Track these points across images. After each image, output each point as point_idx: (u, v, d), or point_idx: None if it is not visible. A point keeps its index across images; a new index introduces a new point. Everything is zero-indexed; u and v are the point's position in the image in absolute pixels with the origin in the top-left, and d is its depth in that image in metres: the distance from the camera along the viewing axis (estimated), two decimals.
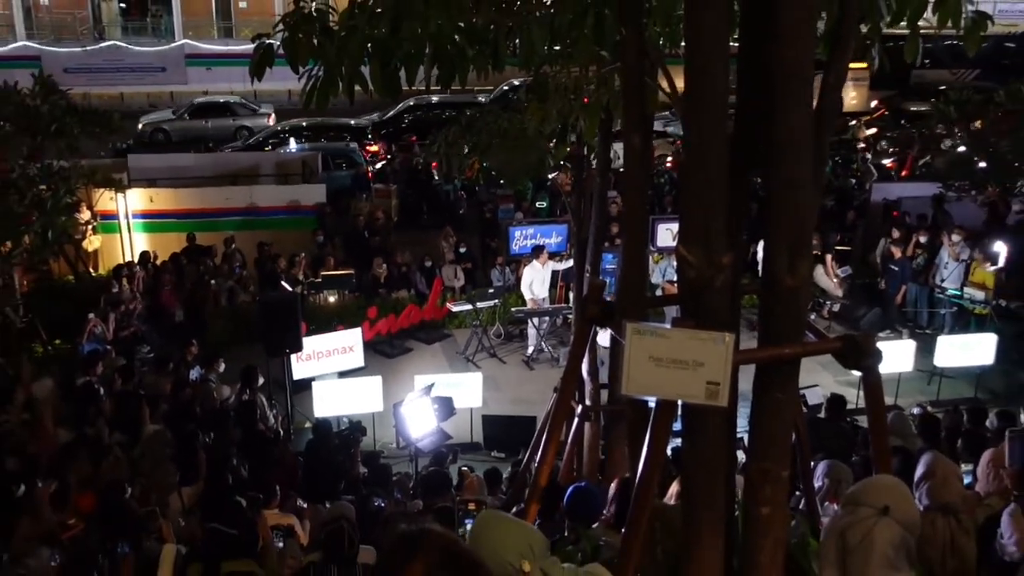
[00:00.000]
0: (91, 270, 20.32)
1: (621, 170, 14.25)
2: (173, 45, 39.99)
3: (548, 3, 5.56)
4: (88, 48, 38.76)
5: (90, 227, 19.91)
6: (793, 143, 4.42)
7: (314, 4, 5.23)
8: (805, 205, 4.53)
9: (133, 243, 21.26)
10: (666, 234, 18.58)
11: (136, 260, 19.83)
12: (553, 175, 20.04)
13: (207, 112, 32.66)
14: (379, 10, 4.81)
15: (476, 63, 5.28)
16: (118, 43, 39.57)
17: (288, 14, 5.13)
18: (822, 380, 14.44)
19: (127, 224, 21.20)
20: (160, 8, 44.29)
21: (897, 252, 18.87)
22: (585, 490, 6.17)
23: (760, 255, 5.02)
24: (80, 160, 18.43)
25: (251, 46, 5.32)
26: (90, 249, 20.36)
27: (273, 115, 32.55)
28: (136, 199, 21.17)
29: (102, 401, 11.56)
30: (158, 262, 19.58)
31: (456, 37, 4.83)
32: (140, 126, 31.72)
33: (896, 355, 14.50)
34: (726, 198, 4.58)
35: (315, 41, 4.90)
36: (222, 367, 14.29)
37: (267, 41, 5.07)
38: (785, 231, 4.45)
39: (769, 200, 4.57)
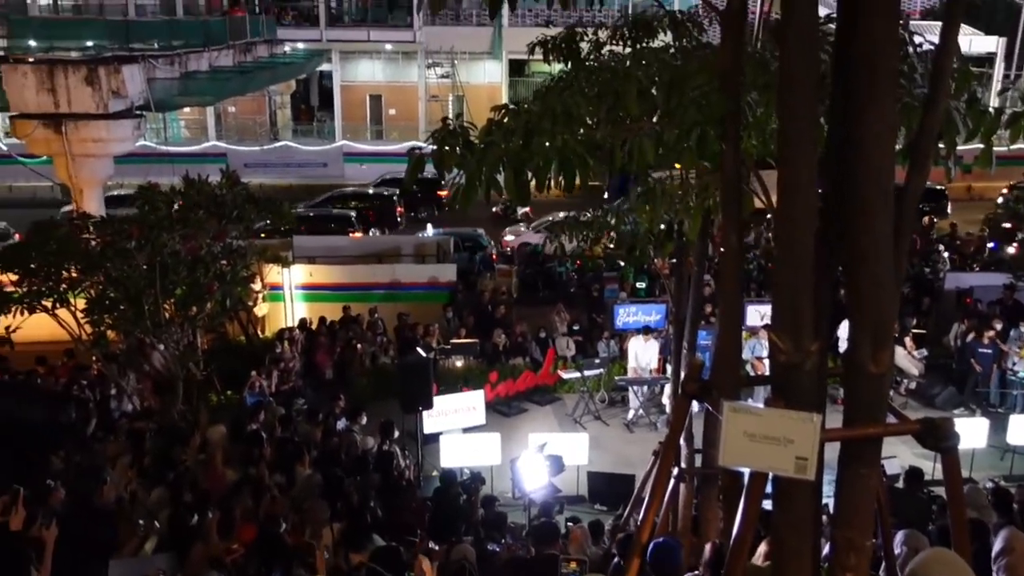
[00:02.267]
0: (259, 333, 21.08)
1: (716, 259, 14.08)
2: (334, 145, 41.70)
3: (656, 120, 5.65)
4: (265, 147, 40.73)
5: (260, 296, 20.70)
6: (875, 248, 4.36)
7: (458, 121, 5.45)
8: (887, 301, 4.44)
9: (294, 310, 22.02)
10: (755, 314, 18.24)
11: (296, 325, 20.49)
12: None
13: None
14: (513, 127, 4.98)
15: (595, 170, 5.39)
16: (289, 143, 41.50)
17: (437, 130, 5.35)
18: (900, 452, 13.82)
19: (290, 294, 22.01)
20: (324, 114, 46.49)
21: (986, 337, 18.05)
22: (667, 545, 6.05)
23: (843, 335, 4.92)
24: (254, 240, 19.26)
25: (396, 146, 5.56)
26: (259, 315, 21.16)
27: None
28: (298, 273, 21.98)
29: (264, 446, 11.89)
30: (314, 327, 20.19)
31: (578, 149, 4.94)
32: None
33: (970, 432, 13.82)
34: (813, 290, 4.53)
35: (458, 152, 5.10)
36: (364, 420, 14.55)
37: (419, 152, 5.30)
38: (869, 324, 4.37)
39: (853, 295, 4.49)
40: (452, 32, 40.88)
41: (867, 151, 4.43)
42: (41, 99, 22.74)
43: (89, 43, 31.59)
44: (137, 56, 26.06)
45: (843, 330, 4.69)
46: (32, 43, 33.68)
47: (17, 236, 27.36)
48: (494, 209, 34.29)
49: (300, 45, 43.50)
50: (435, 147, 5.26)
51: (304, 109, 48.83)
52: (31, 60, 24.31)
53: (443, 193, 35.21)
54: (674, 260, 10.44)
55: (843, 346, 4.57)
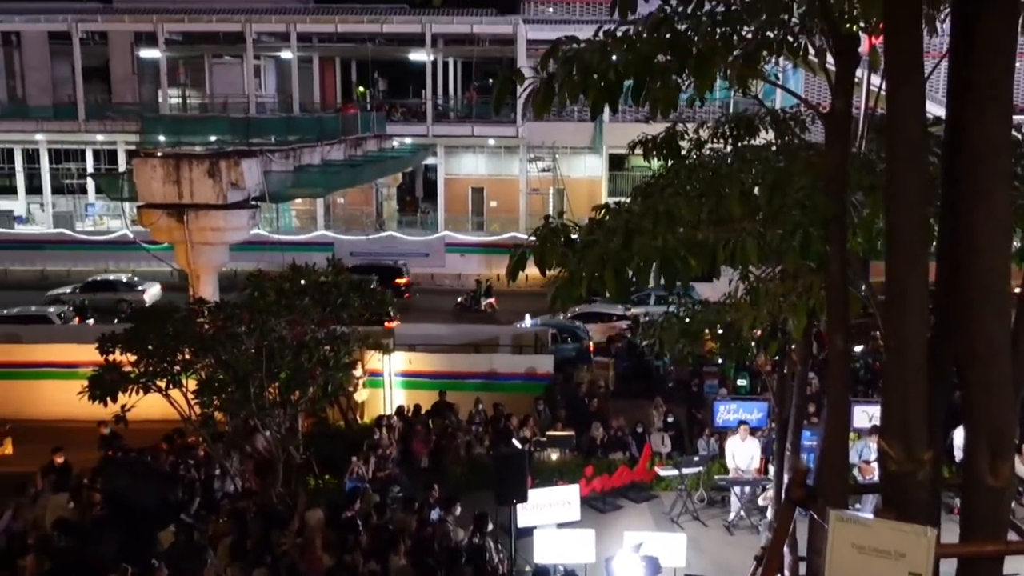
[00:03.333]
0: (358, 418, 21.38)
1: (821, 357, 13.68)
2: (436, 236, 42.72)
3: (759, 220, 5.65)
4: (370, 236, 42.02)
5: (360, 382, 21.07)
6: (991, 351, 4.22)
7: (560, 219, 5.57)
8: (1005, 407, 4.26)
9: (393, 397, 22.31)
10: (862, 416, 17.52)
11: (394, 412, 20.73)
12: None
13: (95, 287, 34.40)
14: (614, 227, 5.06)
15: (695, 269, 5.40)
16: (394, 233, 42.74)
17: (539, 227, 5.48)
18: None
19: (389, 381, 22.34)
20: (428, 206, 47.88)
21: None
22: None
23: (959, 442, 4.71)
24: (357, 327, 19.74)
25: (497, 237, 5.68)
26: (359, 400, 21.50)
27: (150, 291, 34.15)
28: (398, 361, 22.35)
29: (360, 534, 11.96)
30: (411, 415, 20.39)
31: (680, 249, 4.97)
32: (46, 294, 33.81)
33: None
34: (925, 395, 4.38)
35: (560, 251, 5.19)
36: (458, 510, 14.48)
37: (522, 248, 5.42)
38: (985, 432, 4.19)
39: (968, 402, 4.33)
40: (554, 127, 41.79)
41: (980, 253, 4.33)
42: (167, 190, 24.19)
43: (212, 138, 33.63)
44: (255, 151, 27.56)
45: (959, 436, 4.49)
46: (161, 138, 36.05)
47: None
48: (458, 300, 34.45)
49: (407, 140, 45.20)
50: (537, 244, 5.37)
51: (409, 200, 50.42)
52: (160, 154, 25.99)
53: (401, 281, 35.54)
54: (777, 358, 10.23)
55: (959, 454, 4.39)
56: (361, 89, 55.78)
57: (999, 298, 4.41)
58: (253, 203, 26.37)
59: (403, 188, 49.79)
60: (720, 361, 21.08)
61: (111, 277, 36.33)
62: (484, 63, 52.63)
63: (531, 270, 5.21)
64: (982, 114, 4.32)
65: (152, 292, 34.71)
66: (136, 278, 36.24)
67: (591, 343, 27.17)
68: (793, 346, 8.73)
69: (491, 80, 51.85)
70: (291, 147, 31.17)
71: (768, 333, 8.04)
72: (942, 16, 6.14)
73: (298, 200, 40.83)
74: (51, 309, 30.67)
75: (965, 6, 4.59)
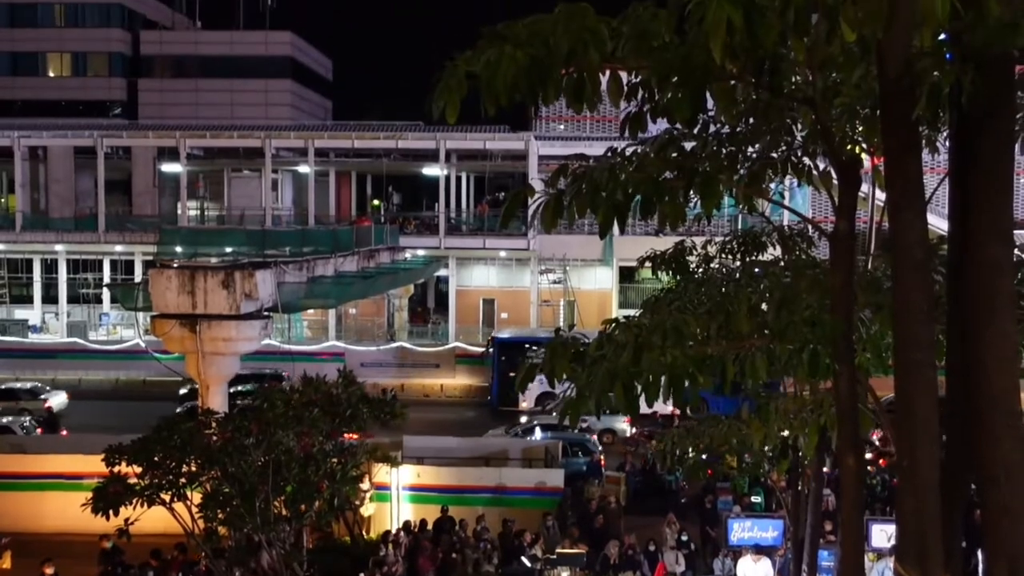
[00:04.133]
0: (364, 533, 20.95)
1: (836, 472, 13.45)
2: (447, 347, 42.78)
3: (768, 336, 5.68)
4: (381, 347, 42.10)
5: (367, 496, 20.73)
6: (1007, 472, 4.17)
7: (570, 332, 5.62)
8: (1023, 531, 4.18)
9: (400, 511, 21.91)
10: (880, 535, 17.06)
11: (401, 527, 20.32)
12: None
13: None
14: (623, 342, 5.09)
15: (705, 385, 5.40)
16: (404, 344, 42.83)
17: (550, 341, 5.52)
18: None
19: (397, 495, 21.98)
20: (439, 317, 48.15)
21: None
22: None
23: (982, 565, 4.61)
24: (366, 439, 19.57)
25: None
26: (365, 515, 21.11)
27: (54, 400, 33.81)
28: (407, 474, 22.04)
29: None
30: (417, 530, 19.98)
31: (688, 366, 5.00)
32: None
33: None
34: (941, 516, 4.31)
35: (570, 364, 5.22)
36: None
37: (532, 362, 5.45)
38: (1004, 555, 4.11)
39: (986, 524, 4.26)
40: (564, 240, 42.41)
41: (989, 373, 4.34)
42: (181, 300, 24.44)
43: (228, 249, 34.19)
44: (270, 262, 27.97)
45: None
46: (178, 249, 36.66)
47: None
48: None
49: (420, 252, 45.84)
50: (547, 357, 5.41)
51: (421, 311, 50.73)
52: (175, 265, 26.40)
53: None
54: (790, 474, 10.09)
55: None
56: (376, 202, 57.03)
57: (1012, 418, 4.40)
58: (266, 314, 26.58)
59: (415, 299, 50.18)
60: (734, 477, 20.72)
61: (16, 385, 35.97)
62: (496, 177, 53.89)
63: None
64: (984, 237, 4.41)
65: (57, 400, 34.25)
66: (41, 385, 35.89)
67: (602, 457, 26.80)
68: (806, 462, 8.62)
69: (503, 194, 52.94)
70: (305, 259, 31.62)
71: (780, 450, 7.97)
72: (942, 137, 6.32)
73: (310, 311, 41.13)
74: None
75: (963, 131, 4.74)
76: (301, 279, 29.77)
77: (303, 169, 48.72)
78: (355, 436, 18.60)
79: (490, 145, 45.43)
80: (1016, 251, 5.15)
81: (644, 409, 5.11)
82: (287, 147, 48.52)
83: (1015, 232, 4.92)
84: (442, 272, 47.08)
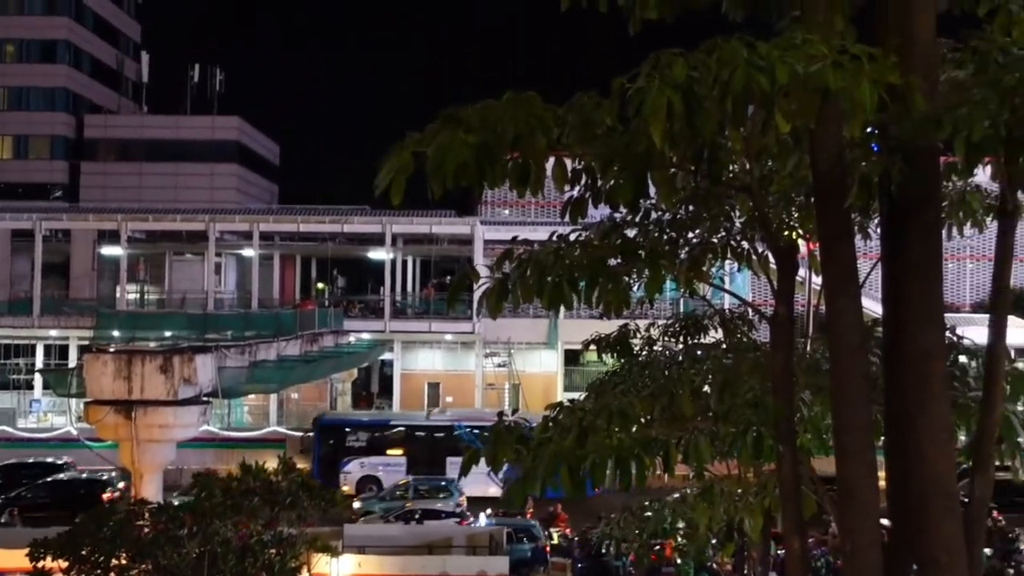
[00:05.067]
0: None
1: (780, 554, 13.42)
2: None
3: (712, 417, 5.71)
4: None
5: None
6: (948, 554, 4.20)
7: (514, 416, 5.57)
8: None
9: None
10: None
11: None
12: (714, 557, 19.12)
13: None
14: (568, 425, 5.07)
15: (650, 467, 5.37)
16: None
17: (492, 426, 5.47)
18: None
19: None
20: (383, 401, 47.52)
21: None
22: None
23: None
24: (305, 528, 18.97)
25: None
26: None
27: None
28: (348, 564, 21.35)
29: None
30: None
31: (634, 448, 4.98)
32: None
33: None
34: None
35: (514, 449, 5.17)
36: None
37: (476, 448, 5.38)
38: None
39: None
40: (510, 324, 42.40)
41: (926, 456, 4.41)
42: (117, 386, 23.75)
43: (168, 333, 33.51)
44: (211, 346, 27.44)
45: None
46: (116, 333, 35.80)
47: None
48: None
49: (365, 335, 45.43)
50: (490, 441, 5.34)
51: (364, 396, 49.99)
52: (112, 350, 25.73)
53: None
54: (736, 557, 10.02)
55: None
56: (320, 285, 56.65)
57: (950, 500, 4.46)
58: (205, 399, 25.95)
59: (358, 383, 49.51)
60: (679, 561, 20.47)
61: None
62: (442, 261, 54.06)
63: None
64: (915, 322, 4.53)
65: None
66: None
67: (547, 543, 26.36)
68: (752, 545, 8.57)
69: (449, 278, 53.05)
70: (247, 343, 31.13)
71: (725, 533, 7.93)
72: (874, 224, 6.52)
73: (252, 396, 40.28)
74: None
75: (893, 220, 4.91)
76: (243, 363, 29.24)
77: (247, 252, 48.34)
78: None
79: (436, 229, 45.71)
80: (947, 334, 5.29)
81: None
82: (232, 231, 48.16)
83: (946, 315, 5.07)
84: (387, 356, 46.65)
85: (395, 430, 35.66)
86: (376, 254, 48.88)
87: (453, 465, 33.69)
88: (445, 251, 50.00)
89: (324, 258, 53.54)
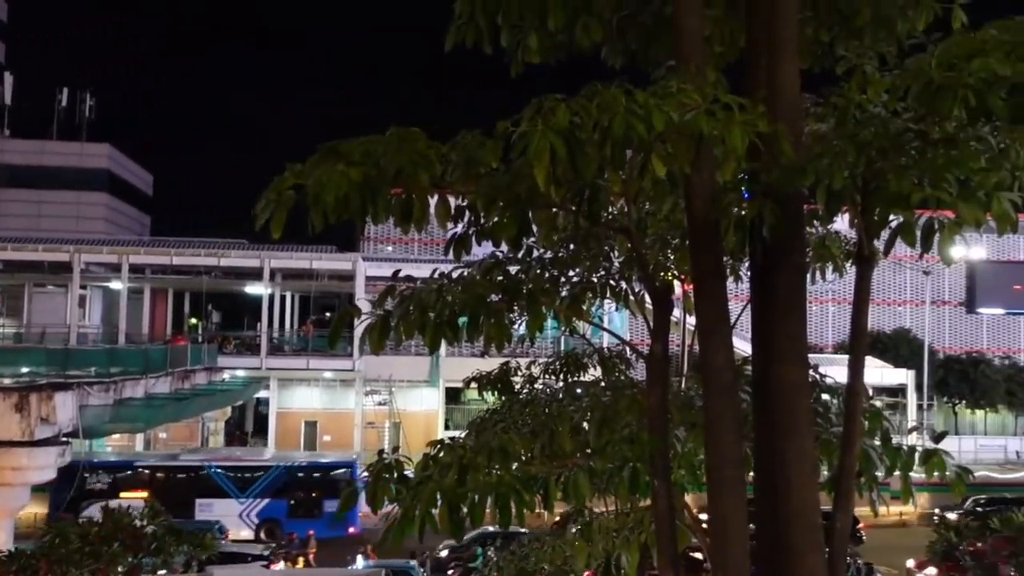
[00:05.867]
0: None
1: None
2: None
3: (590, 455, 5.79)
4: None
5: None
6: None
7: (394, 455, 5.51)
8: None
9: None
10: None
11: None
12: None
13: None
14: (448, 462, 5.05)
15: (530, 505, 5.40)
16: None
17: (372, 463, 5.39)
18: None
19: None
20: (258, 441, 46.07)
21: None
22: None
23: None
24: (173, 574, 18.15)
25: None
26: None
27: None
28: None
29: None
30: None
31: (514, 484, 5.00)
32: None
33: None
34: None
35: (393, 488, 5.10)
36: None
37: (354, 487, 5.28)
38: None
39: None
40: (391, 361, 42.00)
41: (792, 489, 4.59)
42: None
43: (25, 369, 31.62)
44: (72, 383, 26.06)
45: None
46: None
47: None
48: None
49: (240, 372, 44.06)
50: (369, 482, 5.26)
51: (238, 435, 48.38)
52: None
53: None
54: None
55: None
56: (193, 320, 54.70)
57: (814, 532, 4.65)
58: (64, 439, 24.56)
59: (231, 422, 47.90)
60: None
61: None
62: (322, 297, 53.17)
63: None
64: (782, 360, 4.74)
65: None
66: None
67: None
68: None
69: (329, 314, 52.17)
70: (112, 380, 29.69)
71: (603, 569, 8.02)
72: (745, 267, 6.82)
73: (116, 435, 38.35)
74: None
75: (763, 263, 5.15)
76: (107, 401, 27.86)
77: (115, 285, 46.33)
78: None
79: (316, 265, 45.00)
80: (811, 372, 5.57)
81: None
82: (99, 262, 46.10)
83: (810, 355, 5.33)
84: (263, 394, 45.35)
85: (140, 471, 34.36)
86: (254, 289, 47.65)
87: (203, 507, 33.07)
88: (326, 287, 49.24)
89: (198, 292, 51.77)
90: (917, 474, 6.04)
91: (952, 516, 30.85)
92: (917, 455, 5.74)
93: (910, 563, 27.13)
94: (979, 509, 32.18)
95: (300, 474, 35.36)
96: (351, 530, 31.51)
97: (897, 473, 5.83)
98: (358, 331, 5.29)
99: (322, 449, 44.07)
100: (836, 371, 6.99)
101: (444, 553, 29.24)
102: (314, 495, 34.30)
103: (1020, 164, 4.68)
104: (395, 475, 5.20)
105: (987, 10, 5.02)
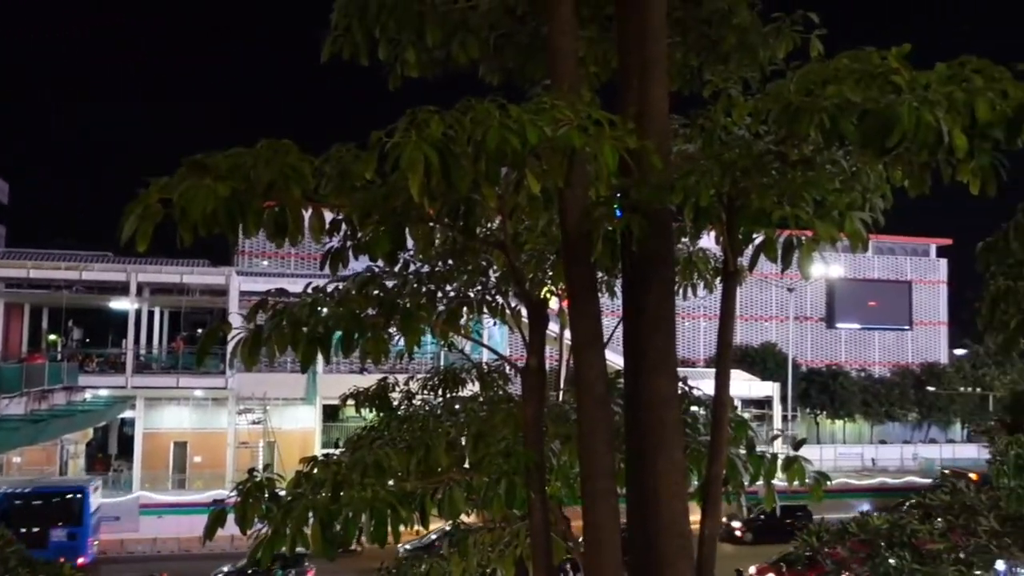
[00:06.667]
0: None
1: None
2: (129, 497, 39.03)
3: (468, 467, 5.80)
4: None
5: None
6: None
7: (265, 472, 5.36)
8: None
9: None
10: None
11: None
12: None
13: None
14: (322, 479, 4.96)
15: (406, 520, 5.35)
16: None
17: (242, 482, 5.24)
18: None
19: None
20: (122, 464, 43.96)
21: None
22: None
23: None
24: None
25: (199, 496, 5.36)
26: None
27: None
28: None
29: None
30: None
31: (390, 500, 4.95)
32: None
33: None
34: None
35: (264, 506, 4.97)
36: None
37: (222, 506, 5.11)
38: None
39: None
40: (265, 378, 40.82)
41: (661, 499, 4.72)
42: None
43: None
44: None
45: None
46: None
47: None
48: None
49: (103, 392, 41.98)
50: (239, 499, 5.11)
51: (100, 458, 46.00)
52: None
53: None
54: None
55: None
56: (52, 337, 51.82)
57: (684, 540, 4.78)
58: None
59: (93, 445, 45.51)
60: None
61: None
62: (194, 313, 51.27)
63: None
64: (652, 373, 4.87)
65: None
66: None
67: None
68: None
69: (200, 330, 50.38)
70: None
71: None
72: (618, 283, 6.98)
73: None
74: None
75: (634, 279, 5.29)
76: None
77: None
78: None
79: (188, 279, 43.40)
80: (680, 384, 5.74)
81: None
82: None
83: (683, 369, 5.50)
84: (128, 414, 43.30)
85: None
86: (119, 304, 45.51)
87: None
88: (197, 302, 47.53)
89: (58, 307, 49.10)
90: (780, 481, 6.30)
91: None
92: (779, 462, 5.99)
93: (752, 569, 28.32)
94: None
95: (20, 501, 32.53)
96: (80, 560, 29.38)
97: (761, 481, 6.07)
98: (232, 348, 5.13)
99: (192, 470, 42.47)
100: (706, 384, 7.24)
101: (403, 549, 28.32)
102: (39, 524, 31.56)
103: (870, 186, 4.99)
104: (266, 493, 5.07)
105: (843, 39, 5.33)
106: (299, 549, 4.86)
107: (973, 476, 29.54)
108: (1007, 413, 34.26)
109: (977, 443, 49.16)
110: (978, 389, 56.87)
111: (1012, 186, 5.11)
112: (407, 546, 28.22)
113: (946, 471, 30.64)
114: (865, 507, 33.89)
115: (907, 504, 31.37)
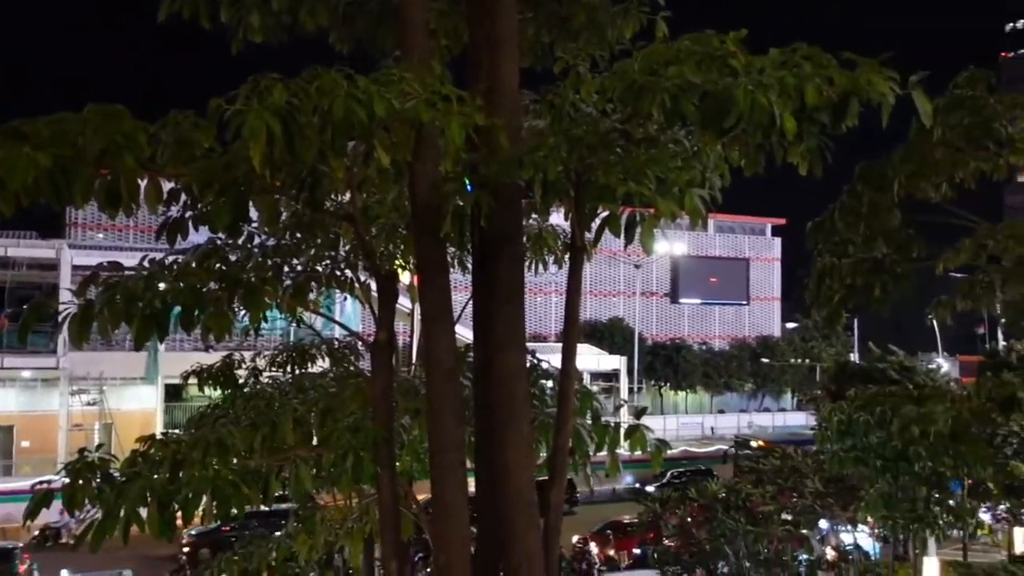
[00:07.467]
0: None
1: None
2: None
3: (316, 444, 5.70)
4: None
5: None
6: (528, 560, 4.60)
7: (99, 452, 5.10)
8: None
9: None
10: None
11: None
12: None
13: None
14: (160, 458, 4.76)
15: (251, 499, 5.22)
16: None
17: (72, 461, 4.96)
18: None
19: None
20: None
21: None
22: None
23: None
24: None
25: (27, 482, 5.06)
26: None
27: None
28: None
29: None
30: None
31: (233, 479, 4.81)
32: None
33: None
34: None
35: (96, 488, 4.73)
36: None
37: (48, 486, 4.82)
38: None
39: None
40: (102, 357, 38.71)
41: (510, 470, 4.79)
42: None
43: None
44: None
45: None
46: None
47: None
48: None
49: None
50: (67, 481, 4.84)
51: None
52: None
53: None
54: None
55: None
56: None
57: (531, 509, 4.88)
58: None
59: None
60: None
61: None
62: (20, 288, 47.87)
63: None
64: (502, 347, 4.93)
65: None
66: None
67: None
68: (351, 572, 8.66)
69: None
70: None
71: (326, 561, 7.93)
72: (469, 258, 7.00)
73: None
74: None
75: (484, 253, 5.31)
76: None
77: None
78: None
79: (13, 252, 40.51)
80: (529, 358, 5.83)
81: None
82: None
83: (535, 344, 5.59)
84: None
85: None
86: None
87: None
88: (24, 277, 44.40)
89: None
90: (624, 451, 6.53)
91: (651, 489, 33.71)
92: (622, 431, 6.19)
93: (575, 538, 29.15)
94: (675, 481, 35.33)
95: None
96: None
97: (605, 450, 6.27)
98: (62, 325, 4.82)
99: (19, 457, 39.91)
100: (556, 359, 7.39)
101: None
102: None
103: (710, 165, 5.19)
104: (98, 474, 4.81)
105: (687, 22, 5.50)
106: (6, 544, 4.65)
107: (761, 443, 31.54)
108: (832, 382, 36.77)
109: (806, 411, 52.60)
110: (807, 360, 60.75)
111: (838, 169, 5.45)
112: (192, 532, 27.53)
113: (737, 438, 32.81)
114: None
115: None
